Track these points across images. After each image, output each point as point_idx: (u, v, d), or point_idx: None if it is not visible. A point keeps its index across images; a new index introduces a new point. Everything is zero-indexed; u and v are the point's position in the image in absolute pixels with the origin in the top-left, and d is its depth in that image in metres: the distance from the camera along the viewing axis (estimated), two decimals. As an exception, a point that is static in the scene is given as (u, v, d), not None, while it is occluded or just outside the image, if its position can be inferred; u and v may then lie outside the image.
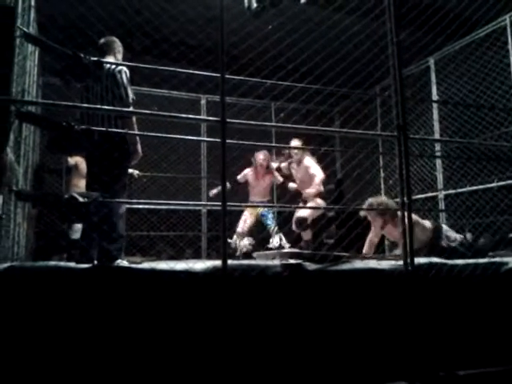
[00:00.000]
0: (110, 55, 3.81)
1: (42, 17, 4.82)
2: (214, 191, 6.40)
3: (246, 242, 6.18)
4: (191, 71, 3.46)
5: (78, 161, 5.39)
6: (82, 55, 3.22)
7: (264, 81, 3.50)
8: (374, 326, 2.90)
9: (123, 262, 3.28)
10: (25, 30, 3.27)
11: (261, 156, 6.49)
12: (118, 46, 3.91)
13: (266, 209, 6.45)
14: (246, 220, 6.40)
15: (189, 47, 4.13)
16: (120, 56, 3.93)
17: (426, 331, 2.87)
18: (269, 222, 6.40)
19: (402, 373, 2.82)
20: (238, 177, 6.58)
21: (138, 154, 3.78)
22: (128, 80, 3.64)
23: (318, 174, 5.78)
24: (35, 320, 2.38)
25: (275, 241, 6.05)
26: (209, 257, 7.23)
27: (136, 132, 3.70)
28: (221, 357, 2.51)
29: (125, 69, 3.64)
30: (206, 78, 3.57)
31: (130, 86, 3.67)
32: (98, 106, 3.47)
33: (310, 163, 5.91)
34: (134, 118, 3.66)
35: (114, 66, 3.58)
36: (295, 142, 5.99)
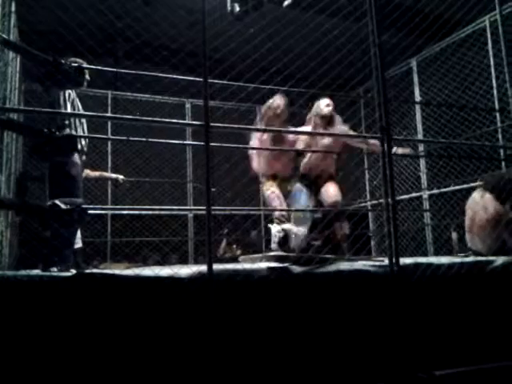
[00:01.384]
0: None
1: (22, 23, 4.78)
2: None
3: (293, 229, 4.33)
4: (174, 76, 3.45)
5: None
6: (63, 61, 3.20)
7: (247, 85, 3.51)
8: (356, 328, 2.91)
9: (53, 270, 3.24)
10: (4, 36, 3.24)
11: (278, 101, 4.50)
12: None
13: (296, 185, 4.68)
14: (280, 197, 4.46)
15: (171, 51, 4.13)
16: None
17: (409, 332, 2.88)
18: (302, 202, 4.59)
19: (380, 375, 2.83)
20: (254, 164, 4.63)
21: (72, 164, 3.76)
22: (65, 100, 3.70)
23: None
24: (17, 329, 2.35)
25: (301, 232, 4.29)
26: (196, 262, 7.21)
27: (112, 137, 3.73)
28: (207, 361, 2.49)
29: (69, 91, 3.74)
30: (189, 82, 3.58)
31: (66, 105, 3.71)
32: (84, 113, 3.47)
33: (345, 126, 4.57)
34: (67, 130, 3.66)
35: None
36: (325, 101, 4.59)
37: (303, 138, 4.57)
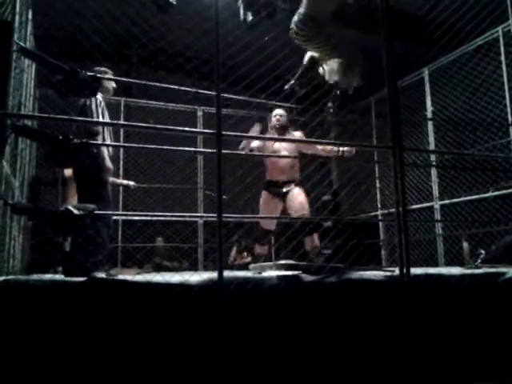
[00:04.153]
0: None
1: (38, 29, 4.85)
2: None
3: None
4: (188, 89, 3.48)
5: (75, 173, 5.36)
6: (79, 70, 3.24)
7: (253, 99, 3.52)
8: (366, 338, 2.89)
9: (100, 275, 3.25)
10: (21, 44, 3.29)
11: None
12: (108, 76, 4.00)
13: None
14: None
15: (186, 59, 4.16)
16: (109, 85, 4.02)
17: (420, 344, 2.86)
18: None
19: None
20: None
21: (107, 170, 3.80)
22: (97, 106, 3.78)
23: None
24: (30, 334, 2.37)
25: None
26: (206, 268, 7.23)
27: (126, 144, 3.77)
28: (217, 368, 2.49)
29: (99, 98, 3.81)
30: (203, 89, 3.60)
31: (98, 112, 3.76)
32: (95, 120, 3.51)
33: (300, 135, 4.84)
34: (99, 137, 3.71)
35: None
36: (279, 111, 4.91)
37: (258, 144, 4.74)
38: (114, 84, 4.01)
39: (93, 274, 3.06)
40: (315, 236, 4.57)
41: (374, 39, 3.57)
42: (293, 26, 3.82)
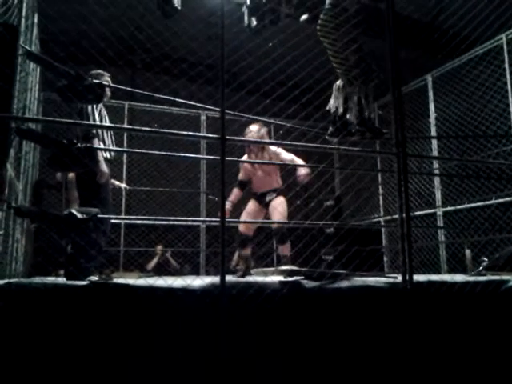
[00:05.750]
0: None
1: (44, 33, 4.87)
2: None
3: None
4: (192, 103, 3.49)
5: (79, 176, 5.35)
6: (85, 76, 3.25)
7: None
8: (368, 346, 2.88)
9: (93, 278, 3.26)
10: (27, 48, 3.31)
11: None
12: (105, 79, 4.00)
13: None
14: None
15: (190, 64, 4.18)
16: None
17: (423, 351, 2.85)
18: None
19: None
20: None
21: (101, 173, 3.80)
22: (93, 109, 3.84)
23: (294, 157, 4.78)
24: (32, 337, 2.36)
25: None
26: (207, 273, 7.23)
27: (129, 150, 3.79)
28: (218, 373, 2.49)
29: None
30: (205, 95, 3.61)
31: (95, 115, 3.83)
32: (98, 124, 3.52)
33: (279, 150, 4.79)
34: (95, 140, 3.72)
35: None
36: (254, 127, 4.87)
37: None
38: (108, 92, 4.03)
39: (87, 278, 3.08)
40: (287, 245, 4.69)
41: (375, 43, 3.57)
42: (321, 15, 3.76)
